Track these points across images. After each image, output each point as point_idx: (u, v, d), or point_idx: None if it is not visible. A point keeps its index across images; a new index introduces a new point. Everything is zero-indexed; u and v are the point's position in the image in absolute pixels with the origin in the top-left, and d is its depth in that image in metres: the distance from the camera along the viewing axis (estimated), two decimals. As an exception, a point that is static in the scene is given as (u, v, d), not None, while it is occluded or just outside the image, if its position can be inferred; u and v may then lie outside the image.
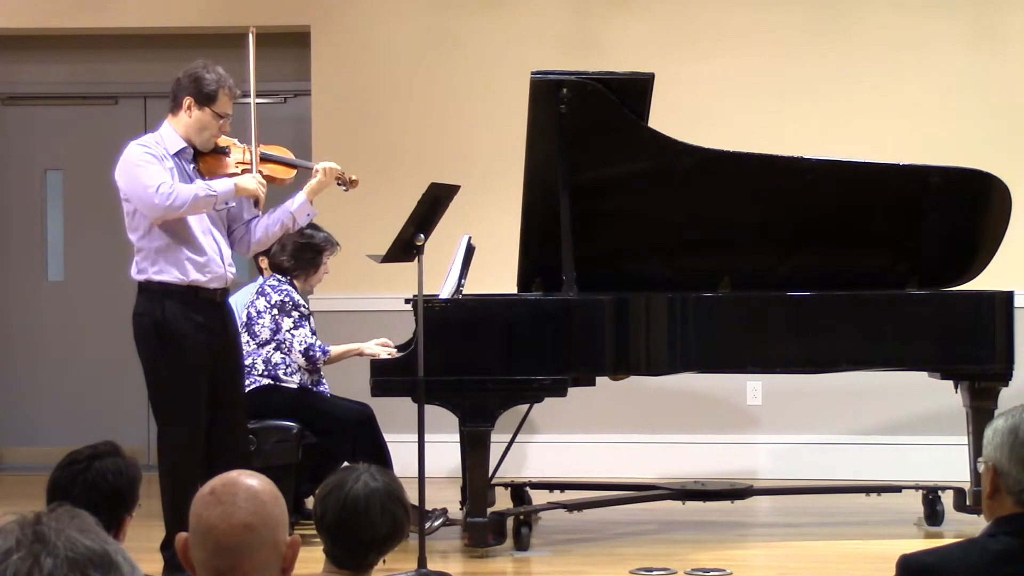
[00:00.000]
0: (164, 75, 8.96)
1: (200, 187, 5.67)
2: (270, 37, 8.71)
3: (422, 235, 5.93)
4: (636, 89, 6.60)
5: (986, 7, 8.36)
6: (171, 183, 5.61)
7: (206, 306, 5.72)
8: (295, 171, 6.04)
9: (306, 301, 6.98)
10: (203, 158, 5.85)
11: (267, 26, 8.67)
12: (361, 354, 6.74)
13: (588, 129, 6.54)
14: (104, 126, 9.10)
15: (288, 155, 6.07)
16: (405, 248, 5.98)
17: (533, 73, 6.52)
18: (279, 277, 6.75)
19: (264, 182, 5.83)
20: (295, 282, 6.85)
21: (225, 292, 5.86)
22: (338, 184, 6.03)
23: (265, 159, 5.95)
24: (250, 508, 2.53)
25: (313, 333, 6.77)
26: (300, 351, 6.62)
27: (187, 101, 5.75)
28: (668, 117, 7.03)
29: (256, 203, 5.86)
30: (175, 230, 5.67)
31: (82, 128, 9.12)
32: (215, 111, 5.75)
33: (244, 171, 5.86)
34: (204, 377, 5.68)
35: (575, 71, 6.61)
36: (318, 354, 6.66)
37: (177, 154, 5.74)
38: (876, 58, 8.36)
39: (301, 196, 5.92)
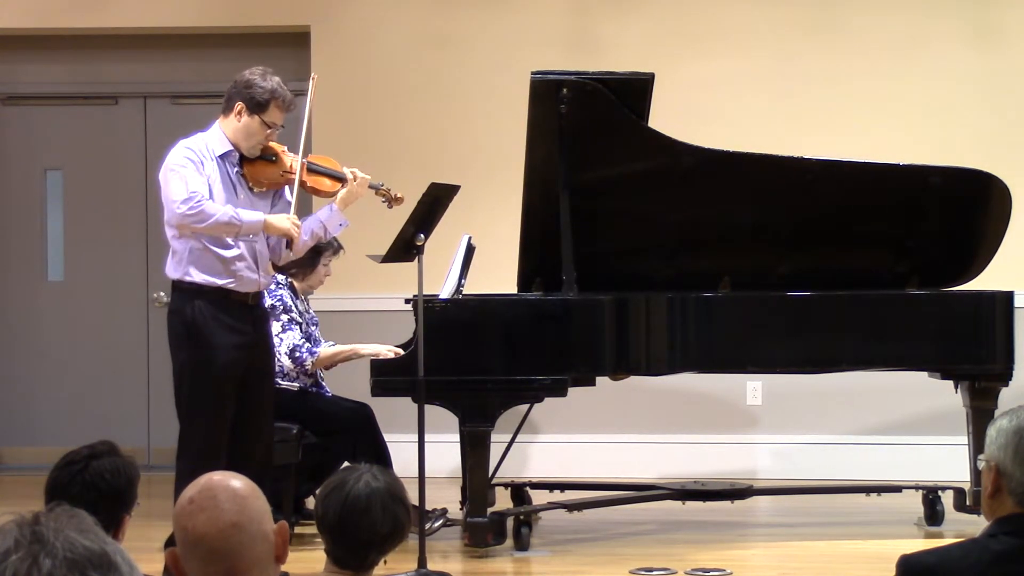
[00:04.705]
0: (164, 75, 9.05)
1: (227, 212, 5.65)
2: (270, 37, 8.74)
3: (422, 235, 5.93)
4: (636, 89, 6.59)
5: (986, 6, 8.36)
6: (200, 197, 5.60)
7: (237, 308, 5.74)
8: (341, 184, 6.02)
9: (307, 303, 6.97)
10: (249, 164, 5.85)
11: (267, 26, 8.70)
12: (358, 355, 6.71)
13: (588, 129, 6.53)
14: (104, 126, 9.10)
15: (335, 166, 6.06)
16: (405, 248, 5.97)
17: (533, 73, 6.51)
18: (279, 279, 6.74)
19: (298, 223, 5.82)
20: (294, 282, 6.84)
21: (258, 295, 5.87)
22: (382, 200, 6.04)
23: (312, 171, 5.95)
24: (234, 508, 2.52)
25: (310, 338, 6.75)
26: (286, 352, 6.60)
27: (239, 106, 5.76)
28: (668, 117, 7.03)
29: (289, 243, 5.85)
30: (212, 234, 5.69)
31: (82, 128, 9.12)
32: (264, 120, 5.77)
33: (288, 181, 5.88)
34: (232, 380, 5.70)
35: (575, 71, 6.61)
36: (304, 356, 6.63)
37: (222, 156, 5.75)
38: (876, 58, 8.36)
39: (332, 207, 5.95)
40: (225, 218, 5.62)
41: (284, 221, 5.77)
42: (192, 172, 5.65)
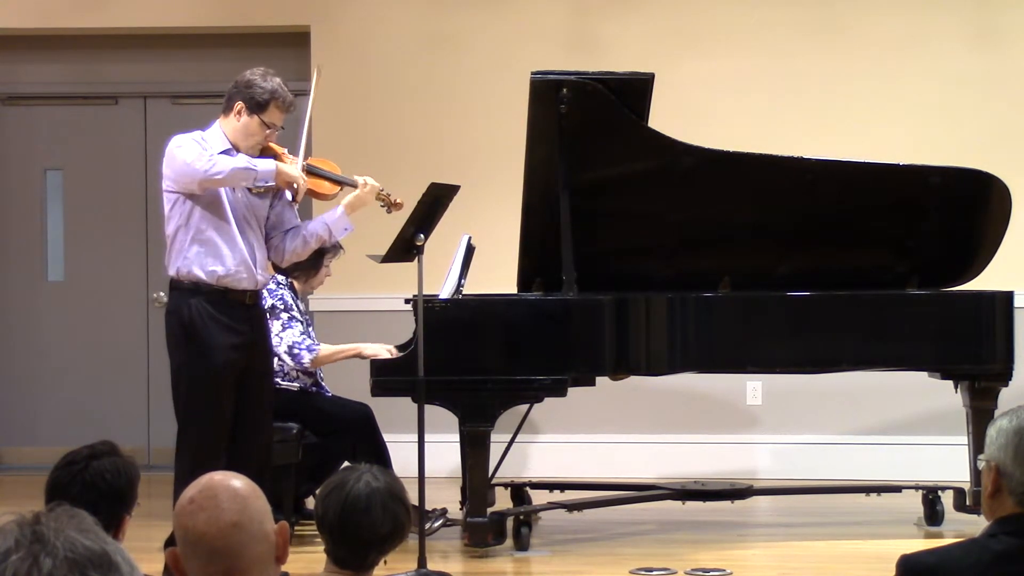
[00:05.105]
0: (164, 75, 9.05)
1: (242, 159, 5.73)
2: (270, 37, 8.74)
3: (422, 235, 5.93)
4: (636, 89, 6.59)
5: (986, 6, 8.36)
6: (212, 153, 5.69)
7: (234, 307, 5.74)
8: (340, 188, 6.04)
9: (305, 303, 6.97)
10: None
11: (267, 26, 8.70)
12: (361, 355, 6.71)
13: (588, 129, 6.53)
14: (104, 126, 9.10)
15: (335, 170, 6.08)
16: (405, 248, 5.97)
17: (533, 73, 6.51)
18: (279, 279, 6.74)
19: (306, 178, 5.87)
20: (295, 283, 6.84)
21: (256, 295, 5.88)
22: (381, 205, 6.05)
23: (311, 173, 5.97)
24: (234, 507, 2.52)
25: (310, 336, 6.75)
26: (284, 350, 6.60)
27: (238, 105, 5.79)
28: (668, 117, 7.03)
29: (294, 196, 5.88)
30: (212, 228, 5.70)
31: (82, 128, 9.12)
32: (264, 120, 5.79)
33: None
34: (229, 380, 5.70)
35: (575, 71, 6.61)
36: (302, 353, 6.63)
37: (221, 154, 5.76)
38: (876, 58, 8.36)
39: (339, 210, 5.95)
40: (242, 163, 5.70)
41: (294, 169, 5.83)
42: (198, 147, 5.72)
